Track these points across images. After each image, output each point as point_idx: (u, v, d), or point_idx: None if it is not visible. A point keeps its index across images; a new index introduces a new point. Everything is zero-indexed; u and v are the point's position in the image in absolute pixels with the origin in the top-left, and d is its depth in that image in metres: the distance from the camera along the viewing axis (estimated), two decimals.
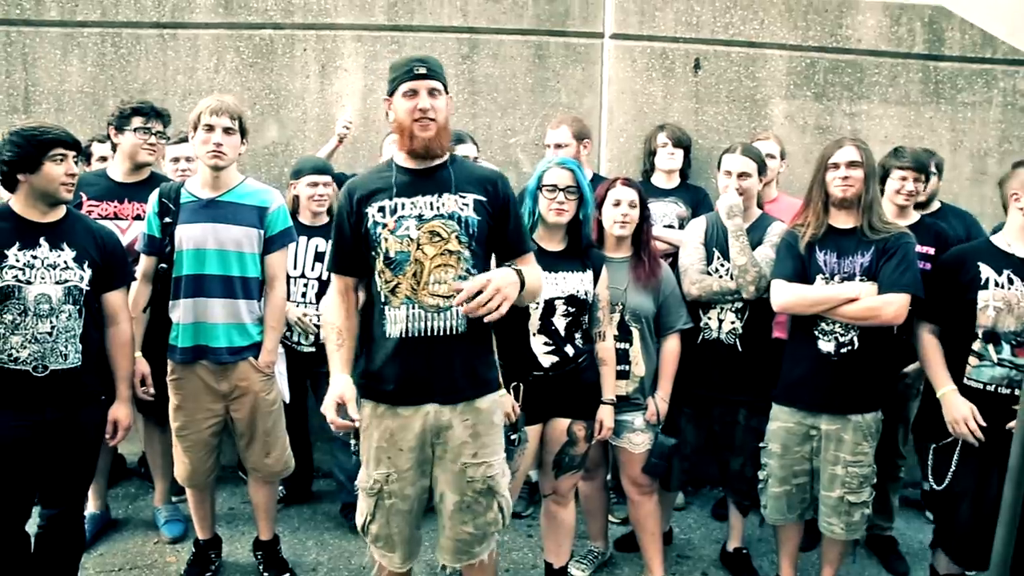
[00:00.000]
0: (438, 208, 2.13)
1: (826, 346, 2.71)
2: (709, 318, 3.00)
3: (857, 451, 2.69)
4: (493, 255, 2.27)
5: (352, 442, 2.29)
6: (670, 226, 3.55)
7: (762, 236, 2.98)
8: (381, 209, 2.14)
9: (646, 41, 4.06)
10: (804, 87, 4.10)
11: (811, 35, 4.08)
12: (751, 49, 4.08)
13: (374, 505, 2.20)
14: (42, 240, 2.41)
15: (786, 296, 2.74)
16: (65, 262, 2.43)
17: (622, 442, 2.93)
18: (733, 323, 2.97)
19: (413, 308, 2.11)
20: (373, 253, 2.15)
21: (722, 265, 2.99)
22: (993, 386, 2.58)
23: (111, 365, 2.63)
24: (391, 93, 2.16)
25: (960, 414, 2.55)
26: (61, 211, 2.49)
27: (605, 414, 2.76)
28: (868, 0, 4.08)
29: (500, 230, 2.21)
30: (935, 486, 2.68)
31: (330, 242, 2.28)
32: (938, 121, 4.14)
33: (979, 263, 2.63)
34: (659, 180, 3.75)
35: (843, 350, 2.69)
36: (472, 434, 2.17)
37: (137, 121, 3.16)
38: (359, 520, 2.26)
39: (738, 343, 2.96)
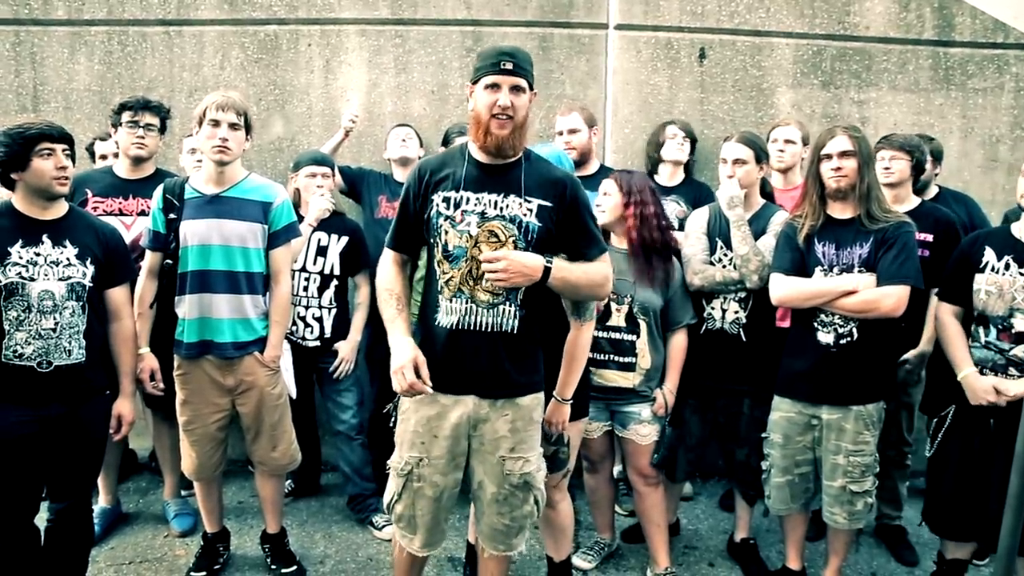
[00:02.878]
0: (501, 209, 2.12)
1: (825, 337, 2.70)
2: (712, 308, 2.99)
3: (859, 440, 2.68)
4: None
5: (392, 421, 2.31)
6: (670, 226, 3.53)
7: (765, 225, 2.97)
8: (446, 200, 2.14)
9: (651, 31, 4.03)
10: (811, 75, 4.06)
11: (818, 22, 4.03)
12: (757, 38, 4.04)
13: (402, 486, 2.23)
14: (44, 237, 2.44)
15: (784, 289, 2.72)
16: (68, 259, 2.46)
17: (629, 433, 2.93)
18: (737, 313, 2.96)
19: (467, 302, 2.13)
20: (432, 241, 2.17)
21: (725, 255, 2.98)
22: (980, 367, 2.62)
23: (114, 360, 2.66)
24: (474, 81, 2.13)
25: (980, 397, 2.56)
26: (63, 208, 2.52)
27: (553, 411, 2.42)
28: None
29: (566, 232, 2.19)
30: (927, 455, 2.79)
31: (393, 217, 2.32)
32: (948, 108, 4.09)
33: (986, 246, 2.65)
34: (662, 177, 3.72)
35: (842, 341, 2.67)
36: (511, 429, 2.19)
37: (126, 116, 3.19)
38: (386, 498, 2.30)
39: (742, 333, 2.95)
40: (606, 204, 2.89)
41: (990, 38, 4.03)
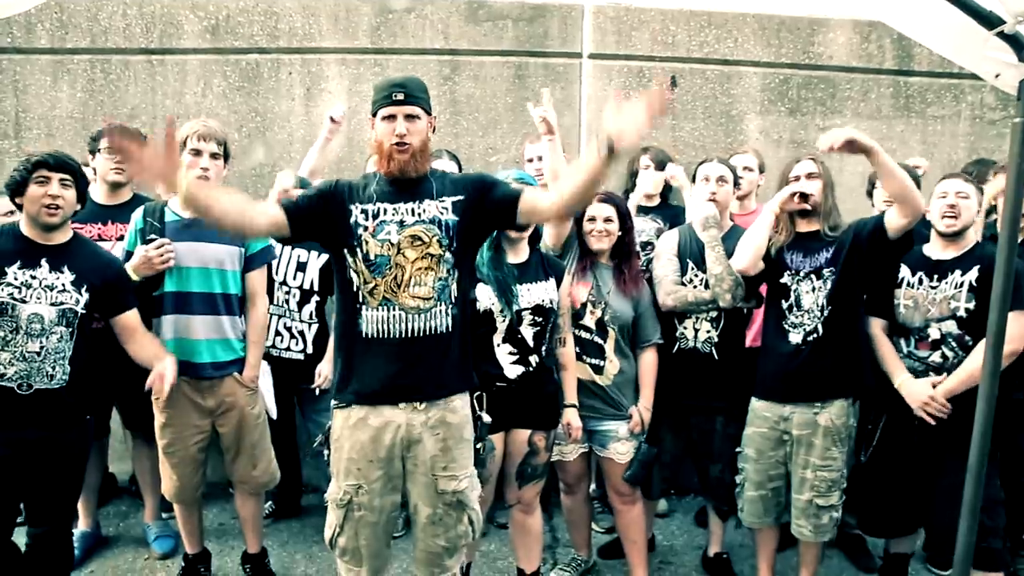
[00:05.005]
0: (419, 214, 2.18)
1: (795, 337, 2.83)
2: (685, 328, 3.07)
3: (826, 456, 2.77)
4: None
5: (324, 452, 2.33)
6: (648, 243, 3.62)
7: (734, 246, 3.06)
8: (364, 212, 2.18)
9: (623, 60, 4.16)
10: (778, 103, 4.21)
11: (784, 52, 4.19)
12: (726, 67, 4.20)
13: (343, 517, 2.22)
14: (43, 261, 2.47)
15: (739, 252, 2.92)
16: (63, 284, 2.48)
17: (608, 452, 2.98)
18: (709, 332, 3.05)
19: (393, 310, 2.15)
20: (354, 248, 2.17)
21: (696, 275, 3.07)
22: None
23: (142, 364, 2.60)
24: (373, 114, 2.22)
25: (920, 398, 2.71)
26: (67, 234, 2.55)
27: (571, 416, 2.85)
28: (838, 18, 4.20)
29: (487, 206, 2.21)
30: (861, 459, 2.97)
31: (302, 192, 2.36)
32: (909, 134, 4.25)
33: (902, 264, 2.83)
34: (640, 199, 3.82)
35: (810, 338, 2.80)
36: (442, 448, 2.20)
37: (104, 142, 3.24)
38: (327, 533, 2.27)
39: (714, 351, 3.04)
40: (613, 228, 2.98)
41: (947, 68, 4.20)
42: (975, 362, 2.55)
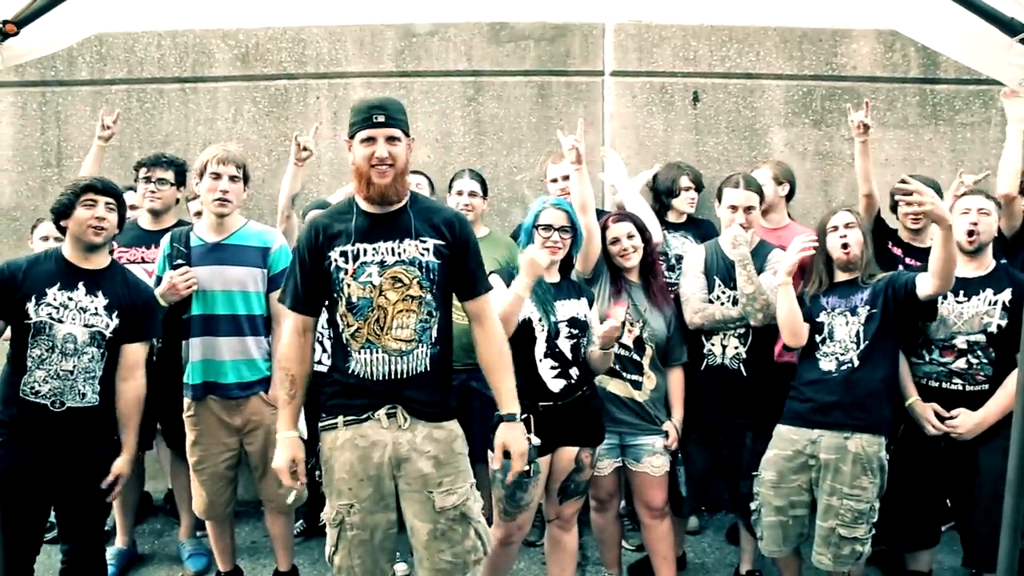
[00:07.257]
0: (399, 254, 2.16)
1: (828, 365, 2.81)
2: (713, 344, 3.06)
3: (855, 484, 2.69)
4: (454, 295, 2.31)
5: (317, 473, 2.34)
6: (681, 256, 3.58)
7: (763, 264, 3.06)
8: (343, 254, 2.17)
9: (645, 77, 4.18)
10: (802, 115, 4.19)
11: (807, 64, 4.18)
12: (748, 80, 4.19)
13: (337, 536, 2.21)
14: (80, 284, 2.57)
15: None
16: (96, 308, 2.58)
17: (642, 467, 2.97)
18: (737, 348, 3.04)
19: (377, 352, 2.16)
20: (335, 295, 2.19)
21: (724, 292, 3.06)
22: (925, 380, 2.93)
23: (119, 418, 2.67)
24: (351, 136, 2.18)
25: (925, 423, 2.86)
26: (104, 260, 2.66)
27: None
28: (861, 28, 4.17)
29: (459, 270, 2.25)
30: None
31: (287, 278, 2.33)
32: (938, 142, 4.19)
33: None
34: (669, 216, 3.79)
35: (843, 367, 2.77)
36: (435, 464, 2.19)
37: (142, 172, 3.42)
38: (327, 551, 2.26)
39: (742, 368, 3.03)
40: (637, 243, 3.04)
41: (975, 75, 4.12)
42: (998, 402, 2.77)
